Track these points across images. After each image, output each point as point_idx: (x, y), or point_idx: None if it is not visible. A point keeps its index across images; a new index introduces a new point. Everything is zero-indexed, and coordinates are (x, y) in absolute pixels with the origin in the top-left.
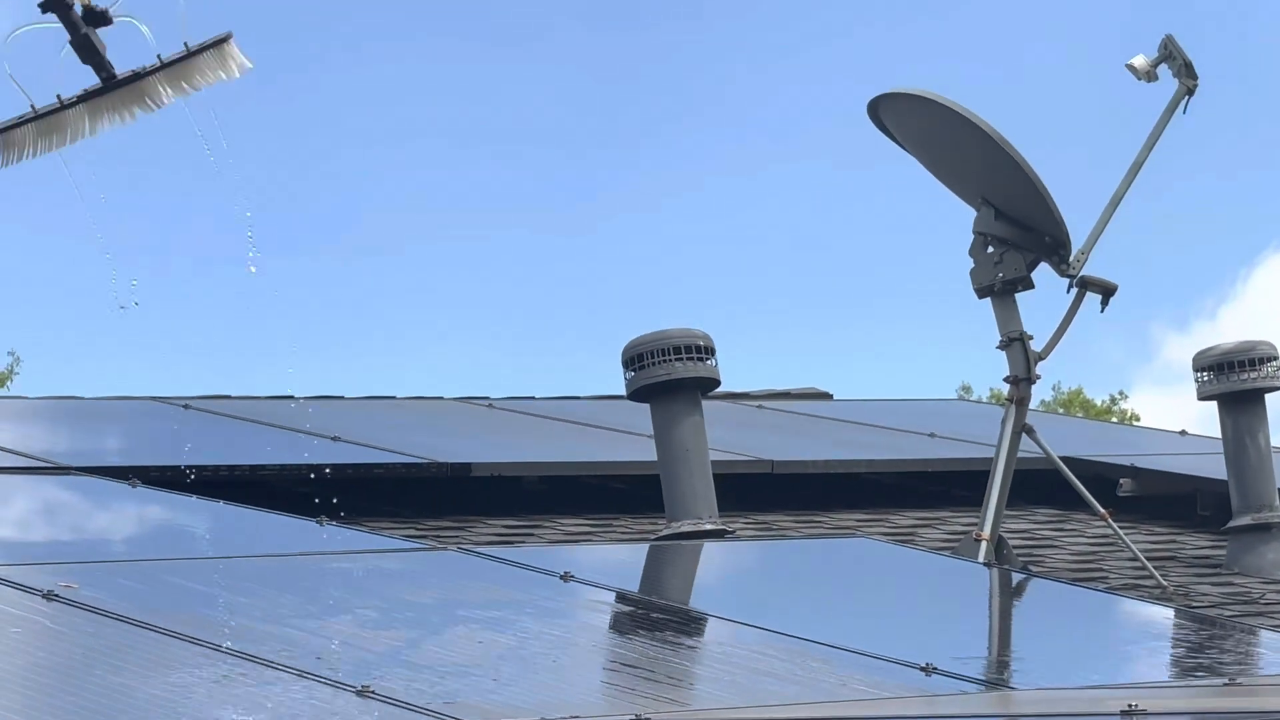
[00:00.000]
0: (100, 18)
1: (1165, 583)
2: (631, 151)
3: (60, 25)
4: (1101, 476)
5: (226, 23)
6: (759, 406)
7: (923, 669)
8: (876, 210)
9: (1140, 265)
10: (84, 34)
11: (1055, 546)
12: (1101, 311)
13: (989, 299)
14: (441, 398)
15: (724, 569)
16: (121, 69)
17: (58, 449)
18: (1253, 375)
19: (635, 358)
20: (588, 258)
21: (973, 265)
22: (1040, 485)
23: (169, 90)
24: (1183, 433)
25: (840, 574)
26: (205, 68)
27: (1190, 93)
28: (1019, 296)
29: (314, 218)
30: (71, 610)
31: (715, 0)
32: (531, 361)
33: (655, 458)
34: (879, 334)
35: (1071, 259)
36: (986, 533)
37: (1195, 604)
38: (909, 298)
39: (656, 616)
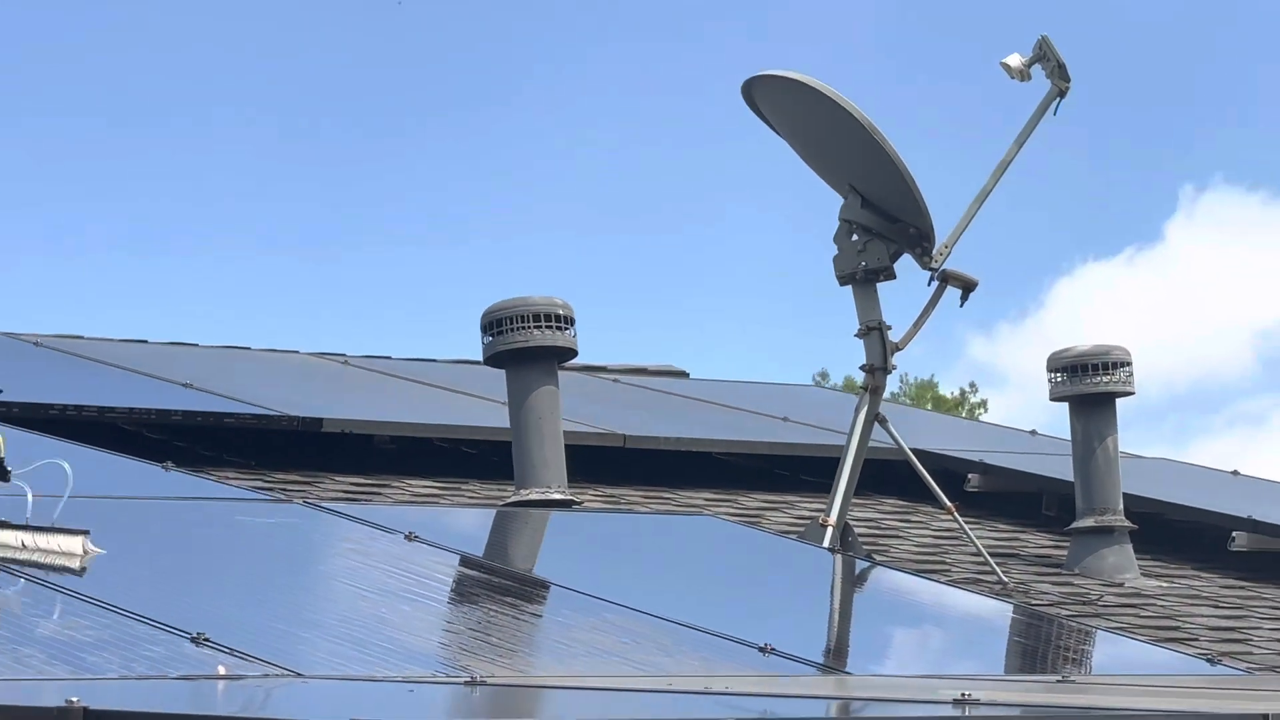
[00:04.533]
0: None
1: (1006, 579)
2: (500, 119)
3: None
4: (950, 471)
5: None
6: (615, 380)
7: (761, 649)
8: (743, 191)
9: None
10: None
11: (900, 537)
12: (961, 306)
13: (850, 286)
14: (296, 351)
15: (569, 539)
16: None
17: None
18: (1106, 379)
19: (494, 323)
20: (456, 224)
21: (836, 252)
22: (889, 475)
23: None
24: (1033, 432)
25: (685, 551)
26: None
27: (1062, 94)
28: (880, 286)
29: (160, 162)
30: None
31: None
32: (391, 324)
33: (508, 424)
34: (739, 316)
35: (935, 252)
36: (833, 519)
37: (1034, 601)
38: (772, 281)
39: (498, 582)
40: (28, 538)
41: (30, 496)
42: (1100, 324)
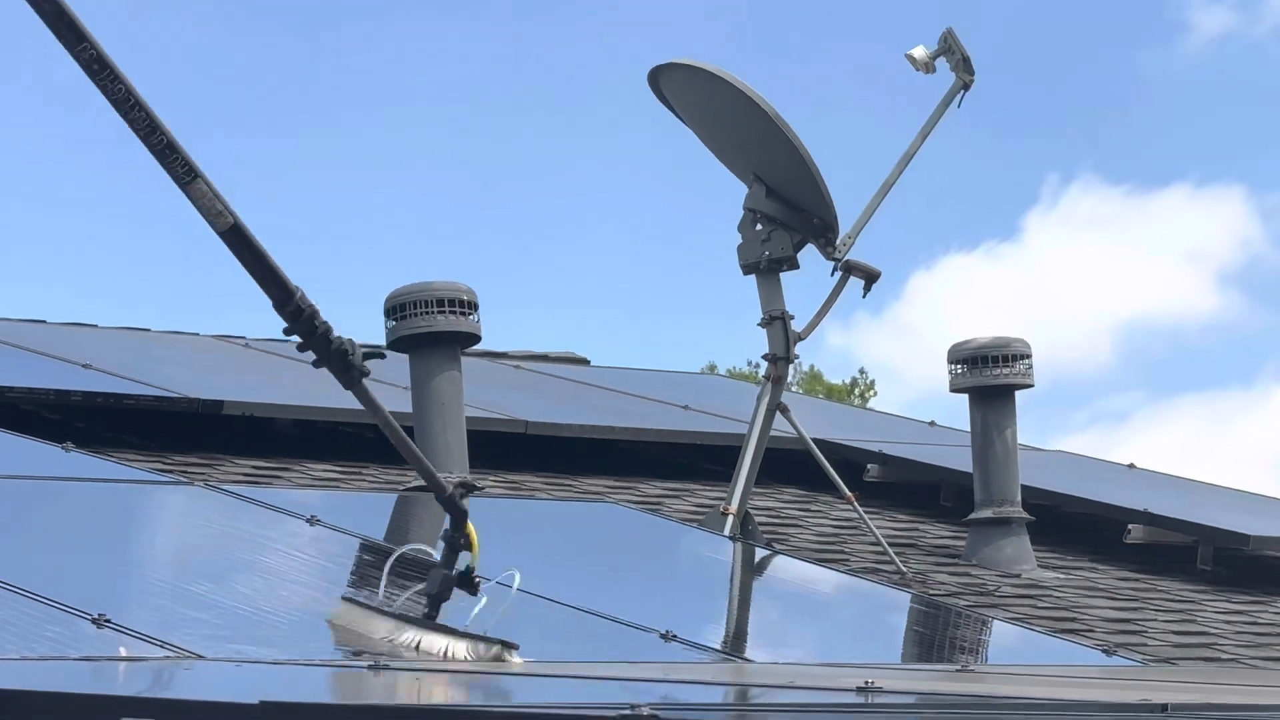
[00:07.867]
0: None
1: (905, 569)
2: (391, 105)
3: None
4: (850, 461)
5: None
6: (517, 367)
7: (662, 636)
8: (651, 180)
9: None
10: None
11: (800, 526)
12: (864, 296)
13: (754, 276)
14: (197, 334)
15: (471, 524)
16: None
17: None
18: (1005, 371)
19: (397, 307)
20: (366, 208)
21: (740, 241)
22: (790, 464)
23: None
24: (932, 423)
25: (586, 538)
26: None
27: (966, 87)
28: (783, 276)
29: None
30: None
31: None
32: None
33: (410, 409)
34: (633, 304)
35: (838, 242)
36: (733, 507)
37: (932, 591)
38: (665, 270)
39: (398, 566)
40: (459, 645)
41: (479, 605)
42: (961, 318)
